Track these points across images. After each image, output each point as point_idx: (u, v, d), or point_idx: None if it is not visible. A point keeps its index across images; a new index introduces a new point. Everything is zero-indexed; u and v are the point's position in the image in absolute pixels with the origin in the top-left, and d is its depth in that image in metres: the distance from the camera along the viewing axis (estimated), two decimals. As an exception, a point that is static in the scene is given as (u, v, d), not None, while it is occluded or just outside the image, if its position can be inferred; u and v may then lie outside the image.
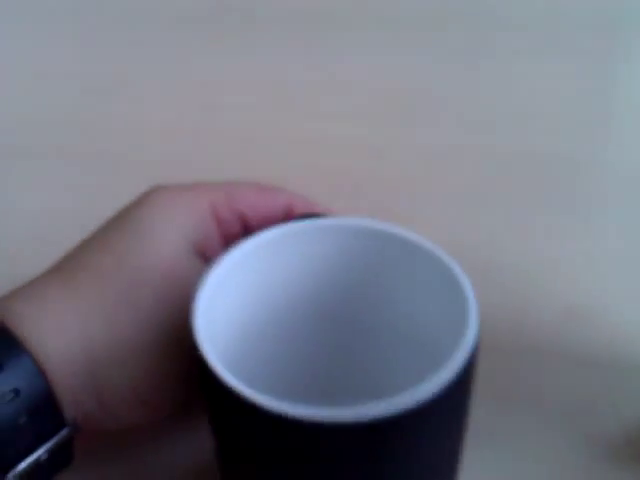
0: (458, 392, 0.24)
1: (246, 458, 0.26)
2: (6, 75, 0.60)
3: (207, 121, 0.55)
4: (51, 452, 0.29)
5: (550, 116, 0.54)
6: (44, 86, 0.59)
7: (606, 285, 0.42)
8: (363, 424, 0.22)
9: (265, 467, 0.25)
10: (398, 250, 0.29)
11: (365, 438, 0.23)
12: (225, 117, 0.55)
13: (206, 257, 0.33)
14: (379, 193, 0.47)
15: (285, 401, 0.24)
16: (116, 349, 0.30)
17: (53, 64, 0.61)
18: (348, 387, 0.33)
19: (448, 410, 0.24)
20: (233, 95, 0.57)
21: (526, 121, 0.54)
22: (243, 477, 0.27)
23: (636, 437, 0.34)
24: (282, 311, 0.31)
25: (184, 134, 0.53)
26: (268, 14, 0.65)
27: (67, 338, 0.29)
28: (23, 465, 0.28)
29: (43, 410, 0.28)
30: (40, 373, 0.28)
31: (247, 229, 0.34)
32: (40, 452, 0.28)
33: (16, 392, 0.28)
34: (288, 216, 0.34)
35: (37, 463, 0.28)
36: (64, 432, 0.29)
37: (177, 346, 0.30)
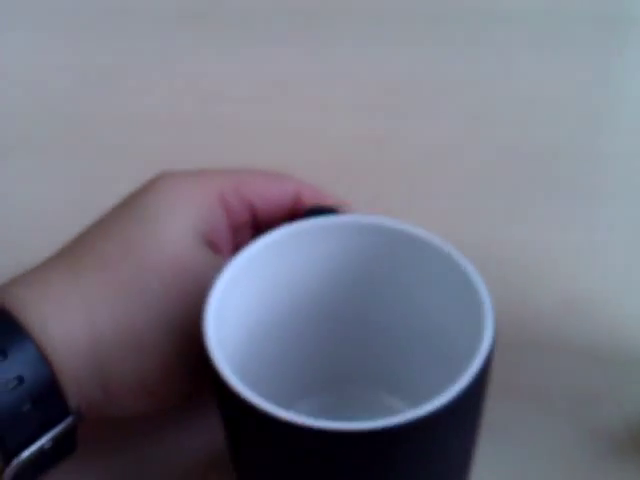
0: (472, 399, 0.24)
1: (260, 464, 0.26)
2: (2, 67, 0.59)
3: (206, 113, 0.54)
4: (55, 440, 0.28)
5: (550, 109, 0.54)
6: (42, 78, 0.58)
7: (607, 278, 0.42)
8: (375, 433, 0.22)
9: (278, 473, 0.25)
10: (407, 247, 0.29)
11: (378, 447, 0.23)
12: (224, 109, 0.54)
13: (214, 246, 0.32)
14: (378, 186, 0.47)
15: (294, 406, 0.24)
16: (122, 338, 0.29)
17: (51, 56, 0.60)
18: (356, 387, 0.33)
19: (461, 417, 0.24)
20: (232, 87, 0.56)
21: (526, 114, 0.54)
22: (251, 474, 0.27)
23: (638, 430, 0.35)
24: (291, 312, 0.31)
25: (183, 125, 0.52)
26: (268, 6, 0.64)
27: (71, 325, 0.29)
28: (27, 453, 0.28)
29: (47, 398, 0.28)
30: (44, 360, 0.28)
31: (255, 218, 0.34)
32: (44, 440, 0.28)
33: (20, 380, 0.27)
34: (297, 205, 0.34)
35: (41, 451, 0.28)
36: (68, 420, 0.29)
37: (184, 336, 0.30)
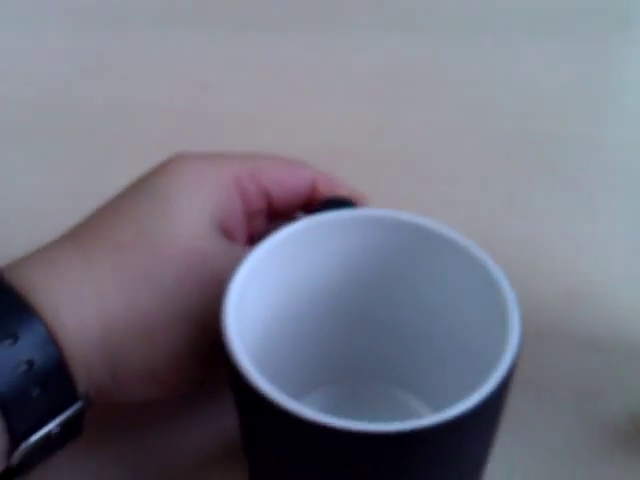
0: (497, 403, 0.24)
1: (274, 459, 0.25)
2: (1, 54, 0.58)
3: (205, 101, 0.53)
4: (62, 425, 0.28)
5: (550, 97, 0.54)
6: (40, 65, 0.57)
7: (608, 269, 0.42)
8: (397, 436, 0.22)
9: (292, 468, 0.25)
10: (427, 243, 0.28)
11: (396, 450, 0.23)
12: (223, 97, 0.54)
13: (228, 233, 0.32)
14: (379, 174, 0.47)
15: (304, 398, 0.24)
16: (133, 326, 0.29)
17: (49, 43, 0.59)
18: (370, 382, 0.33)
19: (485, 420, 0.24)
20: (232, 75, 0.56)
21: (526, 102, 0.54)
22: (269, 475, 0.27)
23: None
24: (307, 306, 0.30)
25: (181, 113, 0.52)
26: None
27: (83, 311, 0.28)
28: (35, 438, 0.27)
29: (56, 383, 0.28)
30: (55, 345, 0.27)
31: (270, 205, 0.33)
32: (52, 425, 0.28)
33: (30, 364, 0.27)
34: (312, 194, 0.33)
35: (48, 436, 0.28)
36: (77, 406, 0.28)
37: (196, 325, 0.29)
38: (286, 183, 0.33)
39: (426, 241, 0.28)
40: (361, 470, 0.23)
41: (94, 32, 0.60)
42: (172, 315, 0.29)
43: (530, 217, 0.45)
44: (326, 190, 0.33)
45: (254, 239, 0.31)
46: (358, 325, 0.31)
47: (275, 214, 0.34)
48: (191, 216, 0.30)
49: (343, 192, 0.34)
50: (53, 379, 0.27)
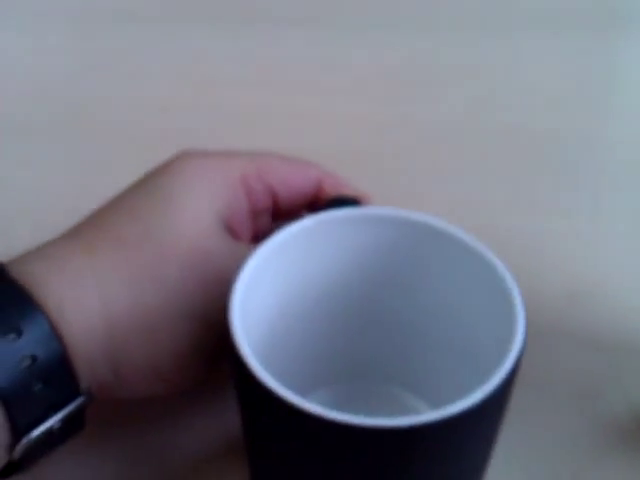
0: (500, 401, 0.24)
1: (272, 450, 0.25)
2: (2, 51, 0.58)
3: (206, 97, 0.53)
4: (63, 421, 0.28)
5: (552, 95, 0.54)
6: (39, 62, 0.57)
7: (610, 266, 0.42)
8: (400, 431, 0.22)
9: (295, 464, 0.25)
10: (433, 242, 0.28)
11: (399, 445, 0.23)
12: (224, 93, 0.54)
13: (233, 232, 0.32)
14: (380, 171, 0.47)
15: (308, 395, 0.24)
16: (136, 324, 0.29)
17: (48, 40, 0.59)
18: (372, 381, 0.33)
19: (488, 418, 0.24)
20: (233, 71, 0.56)
21: (528, 100, 0.54)
22: (270, 471, 0.27)
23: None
24: (312, 304, 0.30)
25: (182, 110, 0.52)
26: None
27: (86, 308, 0.28)
28: (36, 433, 0.27)
29: (59, 378, 0.28)
30: (58, 340, 0.27)
31: (276, 204, 0.33)
32: (53, 420, 0.28)
33: (33, 358, 0.27)
34: (318, 194, 0.33)
35: (49, 431, 0.28)
36: (78, 401, 0.28)
37: (199, 324, 0.29)
38: (292, 182, 0.33)
39: (432, 240, 0.28)
40: (363, 466, 0.23)
41: (95, 29, 0.60)
42: (176, 313, 0.29)
43: (531, 215, 0.45)
44: (332, 189, 0.33)
45: (259, 238, 0.31)
46: (362, 324, 0.31)
47: (280, 213, 0.34)
48: (196, 214, 0.30)
49: (348, 191, 0.33)
50: (56, 374, 0.27)
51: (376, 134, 0.51)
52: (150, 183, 0.31)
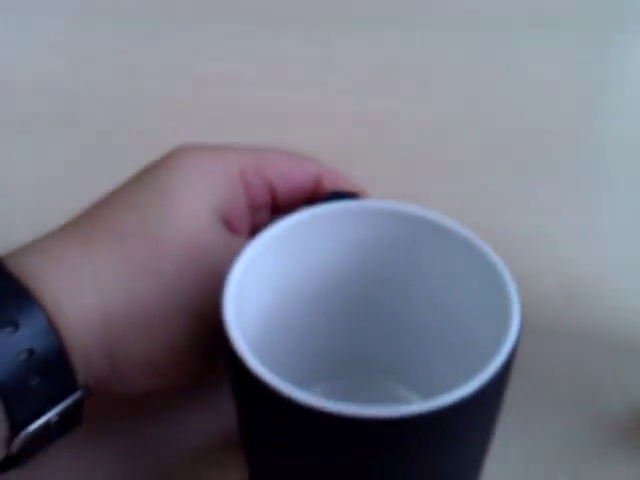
0: (495, 391, 0.24)
1: (269, 444, 0.25)
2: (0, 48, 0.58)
3: (205, 94, 0.54)
4: (61, 415, 0.28)
5: (550, 91, 0.54)
6: (39, 58, 0.57)
7: (608, 262, 0.42)
8: (393, 421, 0.22)
9: (291, 457, 0.25)
10: (430, 236, 0.28)
11: (395, 435, 0.23)
12: (222, 90, 0.54)
13: (231, 227, 0.32)
14: (378, 168, 0.47)
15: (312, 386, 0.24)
16: (133, 318, 0.29)
17: (45, 37, 0.60)
18: (378, 374, 0.32)
19: (484, 408, 0.24)
20: (231, 68, 0.56)
21: (526, 96, 0.54)
22: (265, 460, 0.26)
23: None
24: (308, 298, 0.30)
25: (181, 107, 0.52)
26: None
27: (84, 301, 0.28)
28: (34, 427, 0.27)
29: (56, 372, 0.28)
30: (55, 334, 0.27)
31: (274, 200, 0.33)
32: (51, 414, 0.28)
33: (30, 352, 0.27)
34: (317, 189, 0.33)
35: (47, 425, 0.28)
36: (76, 395, 0.28)
37: (196, 318, 0.29)
38: (291, 177, 0.33)
39: (430, 233, 0.28)
40: (357, 457, 0.23)
41: (92, 26, 0.60)
42: (172, 308, 0.29)
43: (529, 211, 0.45)
44: (330, 185, 0.33)
45: (257, 233, 0.31)
46: (360, 319, 0.31)
47: (279, 208, 0.33)
48: (194, 208, 0.30)
49: (348, 186, 0.33)
50: (53, 368, 0.27)
51: (374, 132, 0.51)
52: (148, 177, 0.31)
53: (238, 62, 0.57)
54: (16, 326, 0.27)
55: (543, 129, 0.51)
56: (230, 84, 0.54)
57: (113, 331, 0.28)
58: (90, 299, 0.28)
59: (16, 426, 0.27)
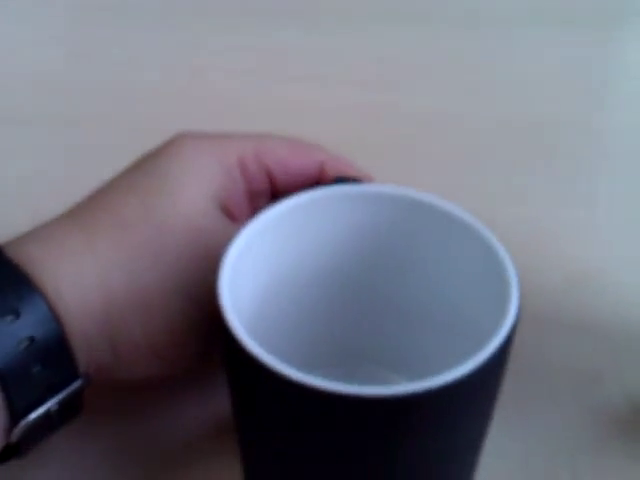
0: (494, 371, 0.24)
1: (265, 427, 0.25)
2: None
3: (203, 87, 0.54)
4: (61, 404, 0.28)
5: (550, 84, 0.54)
6: (34, 51, 0.57)
7: (608, 254, 0.42)
8: (391, 400, 0.22)
9: (285, 438, 0.25)
10: (433, 220, 0.28)
11: (390, 414, 0.22)
12: (222, 82, 0.54)
13: (230, 213, 0.32)
14: (378, 160, 0.47)
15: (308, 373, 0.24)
16: (133, 301, 0.29)
17: (47, 29, 0.60)
18: (374, 362, 0.32)
19: (482, 389, 0.24)
20: (231, 60, 0.56)
21: (525, 88, 0.54)
22: (260, 445, 0.26)
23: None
24: (304, 283, 0.30)
25: (179, 100, 0.52)
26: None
27: (85, 288, 0.28)
28: (34, 415, 0.27)
29: (57, 360, 0.28)
30: (56, 322, 0.27)
31: (274, 187, 0.33)
32: (51, 403, 0.28)
33: (31, 340, 0.27)
34: (322, 176, 0.33)
35: (47, 414, 0.28)
36: (76, 384, 0.28)
37: (195, 302, 0.29)
38: (291, 164, 0.33)
39: (427, 216, 0.28)
40: (355, 438, 0.23)
41: (90, 18, 0.60)
42: (171, 290, 0.29)
43: (529, 202, 0.45)
44: (335, 172, 0.33)
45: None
46: (357, 304, 0.31)
47: (279, 196, 0.33)
48: (194, 194, 0.30)
49: (352, 173, 0.33)
50: (54, 356, 0.27)
51: (374, 125, 0.51)
52: (147, 164, 0.31)
53: (238, 55, 0.57)
54: (17, 314, 0.27)
55: (543, 122, 0.51)
56: (230, 77, 0.54)
57: (113, 314, 0.28)
58: (91, 285, 0.28)
59: (16, 415, 0.27)
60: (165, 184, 0.30)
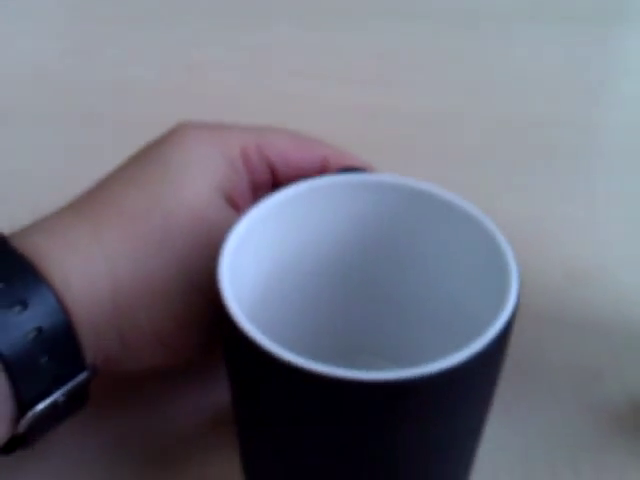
0: (493, 358, 0.24)
1: (264, 415, 0.25)
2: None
3: (201, 83, 0.54)
4: (67, 395, 0.28)
5: (549, 81, 0.54)
6: (27, 48, 0.58)
7: (608, 251, 0.42)
8: (391, 384, 0.22)
9: (284, 425, 0.25)
10: (433, 209, 0.28)
11: (390, 399, 0.22)
12: (220, 79, 0.54)
13: (234, 203, 0.32)
14: (376, 157, 0.47)
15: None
16: (143, 292, 0.29)
17: (37, 25, 0.60)
18: (373, 350, 0.32)
19: (482, 375, 0.24)
20: (229, 58, 0.56)
21: (525, 86, 0.54)
22: (259, 433, 0.26)
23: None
24: (309, 270, 0.30)
25: (179, 96, 0.52)
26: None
27: (93, 277, 0.28)
28: (41, 406, 0.27)
29: (64, 351, 0.28)
30: (64, 313, 0.28)
31: (276, 179, 0.33)
32: (58, 394, 0.28)
33: (39, 331, 0.27)
34: (325, 171, 0.33)
35: (54, 405, 0.28)
36: (82, 376, 0.28)
37: (200, 291, 0.29)
38: (293, 157, 0.33)
39: (428, 206, 0.28)
40: (356, 424, 0.23)
41: (89, 15, 0.61)
42: (179, 281, 0.29)
43: (529, 201, 0.45)
44: (338, 166, 0.33)
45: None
46: (357, 293, 0.31)
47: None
48: (198, 185, 0.30)
49: (357, 164, 0.33)
50: (61, 347, 0.28)
51: (373, 122, 0.51)
52: (151, 154, 0.31)
53: (238, 52, 0.57)
54: (25, 305, 0.27)
55: (543, 120, 0.51)
56: (229, 74, 0.55)
57: (121, 303, 0.29)
58: (99, 275, 0.28)
59: (23, 406, 0.27)
60: (169, 174, 0.30)
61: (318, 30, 0.59)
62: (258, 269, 0.29)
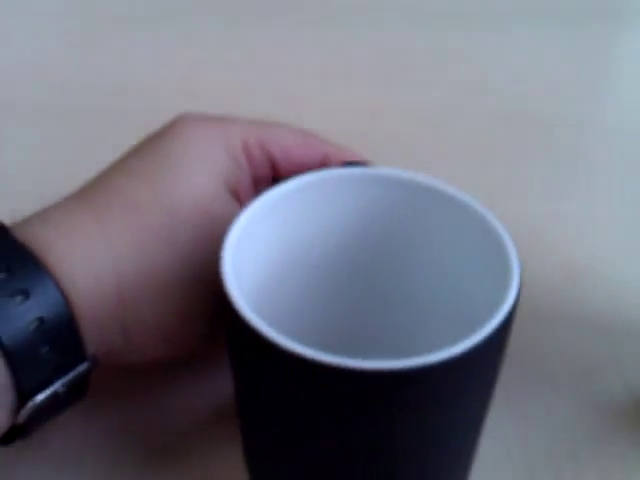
0: (493, 349, 0.24)
1: (266, 402, 0.25)
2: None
3: (201, 82, 0.54)
4: (68, 385, 0.28)
5: (549, 80, 0.55)
6: (28, 44, 0.58)
7: (607, 248, 0.42)
8: (389, 373, 0.22)
9: (286, 415, 0.25)
10: (435, 203, 0.28)
11: (389, 387, 0.23)
12: (220, 78, 0.54)
13: (237, 196, 0.32)
14: (376, 156, 0.47)
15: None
16: (144, 284, 0.29)
17: (37, 22, 0.60)
18: (377, 344, 0.32)
19: (482, 366, 0.24)
20: (229, 57, 0.57)
21: (525, 85, 0.54)
22: (261, 421, 0.26)
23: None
24: (316, 262, 0.30)
25: (178, 94, 0.52)
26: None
27: (99, 271, 0.28)
28: (41, 397, 0.27)
29: (65, 341, 0.28)
30: (66, 303, 0.28)
31: (277, 174, 0.33)
32: (58, 384, 0.28)
33: (40, 321, 0.27)
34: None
35: (55, 395, 0.28)
36: (82, 366, 0.28)
37: (207, 286, 0.29)
38: (294, 153, 0.33)
39: (430, 199, 0.28)
40: (358, 413, 0.23)
41: (88, 13, 0.61)
42: (183, 274, 0.29)
43: (529, 198, 0.46)
44: (339, 162, 0.33)
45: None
46: (360, 287, 0.31)
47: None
48: (203, 177, 0.30)
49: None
50: (62, 337, 0.28)
51: (374, 118, 0.51)
52: (154, 146, 0.31)
53: (237, 48, 0.57)
54: (27, 295, 0.27)
55: (543, 117, 0.51)
56: (228, 70, 0.55)
57: (125, 297, 0.29)
58: (105, 269, 0.28)
59: (24, 396, 0.27)
60: (173, 166, 0.30)
61: (318, 30, 0.60)
62: (262, 261, 0.29)
